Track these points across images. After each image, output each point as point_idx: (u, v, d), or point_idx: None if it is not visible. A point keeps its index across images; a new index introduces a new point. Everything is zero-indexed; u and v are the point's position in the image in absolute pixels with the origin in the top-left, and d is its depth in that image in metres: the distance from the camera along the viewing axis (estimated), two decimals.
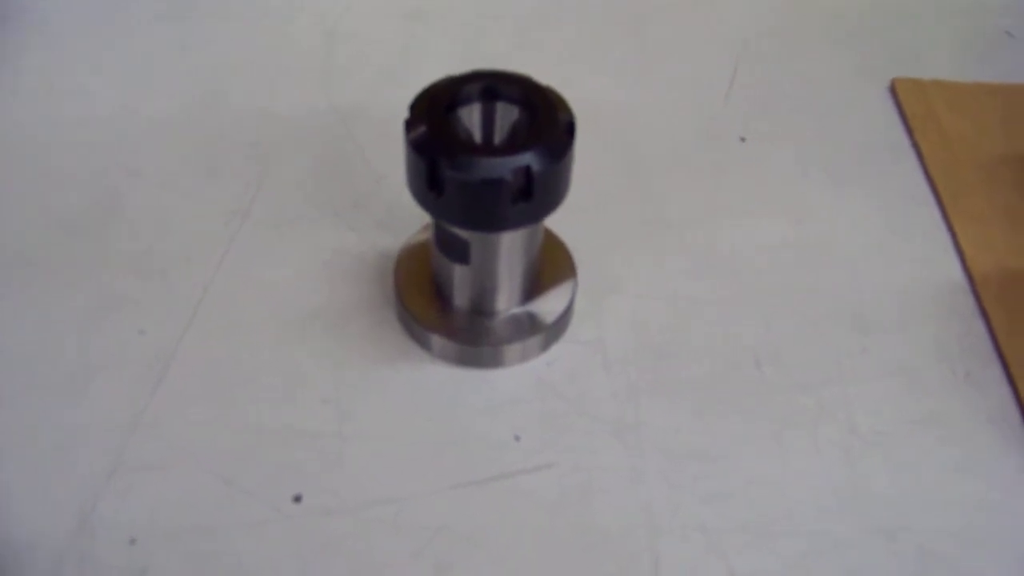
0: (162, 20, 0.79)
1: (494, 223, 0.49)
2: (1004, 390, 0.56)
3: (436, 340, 0.55)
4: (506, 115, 0.51)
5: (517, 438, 0.53)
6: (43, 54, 0.75)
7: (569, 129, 0.49)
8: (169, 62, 0.76)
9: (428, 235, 0.57)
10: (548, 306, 0.56)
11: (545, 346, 0.56)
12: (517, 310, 0.56)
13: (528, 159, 0.47)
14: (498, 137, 0.52)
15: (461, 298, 0.55)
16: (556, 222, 0.57)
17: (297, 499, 0.50)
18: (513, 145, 0.49)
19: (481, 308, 0.55)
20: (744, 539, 0.49)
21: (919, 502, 0.51)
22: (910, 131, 0.71)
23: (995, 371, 0.57)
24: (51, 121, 0.70)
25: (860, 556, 0.49)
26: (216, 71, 0.75)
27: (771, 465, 0.52)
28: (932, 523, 0.50)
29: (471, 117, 0.51)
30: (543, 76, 0.52)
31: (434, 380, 0.55)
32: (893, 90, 0.75)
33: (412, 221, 0.61)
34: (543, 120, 0.49)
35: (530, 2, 0.83)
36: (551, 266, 0.58)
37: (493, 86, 0.51)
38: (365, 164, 0.67)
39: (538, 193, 0.48)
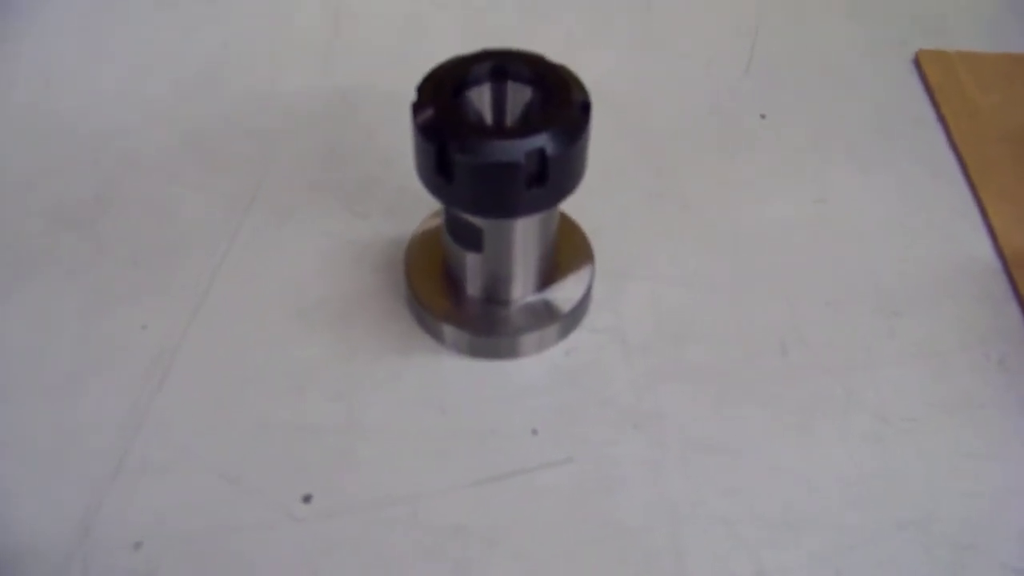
0: (161, 4, 0.77)
1: (507, 209, 0.48)
2: None
3: (448, 330, 0.53)
4: (518, 96, 0.49)
5: (535, 432, 0.51)
6: (40, 40, 0.74)
7: (584, 109, 0.47)
8: (168, 46, 0.74)
9: (439, 221, 0.55)
10: (565, 293, 0.54)
11: (562, 335, 0.55)
12: (533, 298, 0.54)
13: (542, 141, 0.45)
14: (510, 119, 0.50)
15: (474, 287, 0.53)
16: (570, 205, 0.55)
17: (307, 499, 0.48)
18: (526, 127, 0.47)
19: (495, 297, 0.54)
20: (770, 532, 0.48)
21: (952, 492, 0.49)
22: (935, 104, 0.69)
23: None
24: (47, 109, 0.68)
25: (892, 549, 0.47)
26: (216, 55, 0.73)
27: (797, 454, 0.51)
28: (966, 514, 0.49)
29: (481, 98, 0.50)
30: (552, 54, 0.50)
31: (447, 372, 0.53)
32: (917, 62, 0.73)
33: (422, 207, 0.59)
34: (557, 100, 0.47)
35: None
36: (568, 251, 0.56)
37: (503, 65, 0.49)
38: (372, 147, 0.66)
39: (553, 177, 0.46)
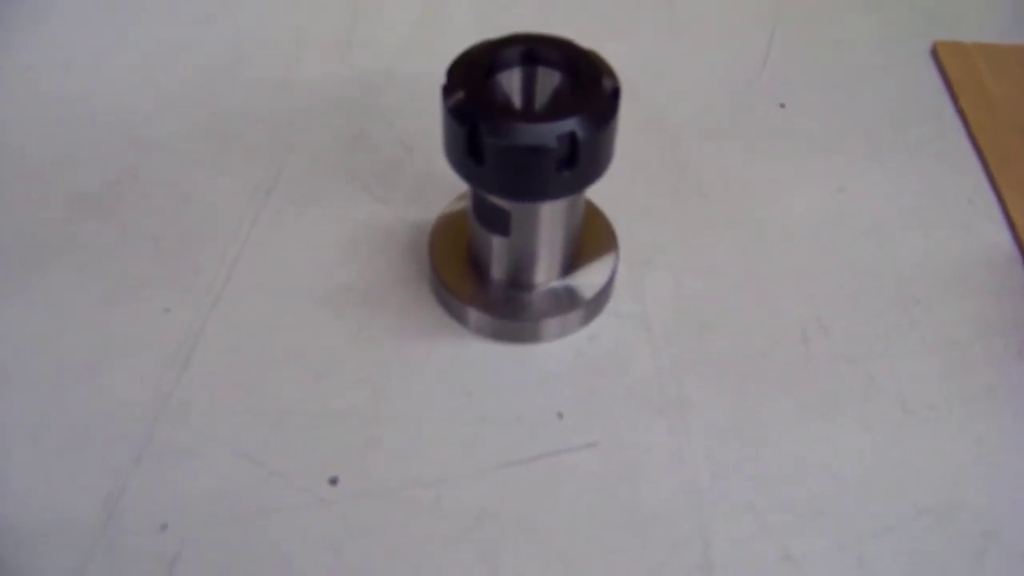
0: None
1: (536, 192, 0.47)
2: None
3: (473, 314, 0.54)
4: (547, 80, 0.49)
5: (560, 415, 0.51)
6: (58, 27, 0.73)
7: (614, 94, 0.47)
8: (187, 34, 0.73)
9: (463, 206, 0.55)
10: (589, 279, 0.54)
11: (585, 320, 0.55)
12: (556, 283, 0.54)
13: (572, 125, 0.45)
14: (539, 103, 0.50)
15: (499, 271, 0.53)
16: (594, 193, 0.55)
17: (333, 481, 0.48)
18: (557, 111, 0.47)
19: (519, 281, 0.54)
20: (796, 520, 0.48)
21: (973, 480, 0.49)
22: (953, 95, 0.69)
23: None
24: (67, 96, 0.68)
25: (913, 536, 0.47)
26: (235, 42, 0.73)
27: (820, 441, 0.51)
28: (988, 502, 0.49)
29: (511, 82, 0.49)
30: None
31: (471, 356, 0.53)
32: (935, 53, 0.73)
33: (443, 192, 0.59)
34: (587, 85, 0.47)
35: None
36: (592, 238, 0.56)
37: (534, 50, 0.49)
38: (392, 134, 0.65)
39: (583, 161, 0.46)
